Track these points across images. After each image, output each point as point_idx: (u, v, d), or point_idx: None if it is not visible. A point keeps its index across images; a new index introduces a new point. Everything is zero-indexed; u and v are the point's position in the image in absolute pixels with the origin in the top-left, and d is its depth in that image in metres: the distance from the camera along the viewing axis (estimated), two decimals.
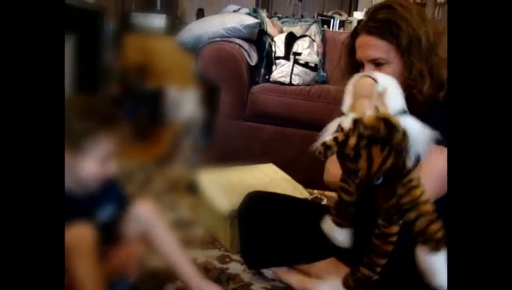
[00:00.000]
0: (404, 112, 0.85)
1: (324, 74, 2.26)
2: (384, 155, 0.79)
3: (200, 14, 3.20)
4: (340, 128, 0.81)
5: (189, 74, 2.87)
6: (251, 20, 2.02)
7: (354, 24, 2.67)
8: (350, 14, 3.01)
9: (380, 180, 0.82)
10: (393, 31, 1.04)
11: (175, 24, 3.16)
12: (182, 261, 1.03)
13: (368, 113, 0.80)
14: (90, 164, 0.89)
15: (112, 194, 1.01)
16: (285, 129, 1.97)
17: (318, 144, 0.79)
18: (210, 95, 2.06)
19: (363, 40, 1.09)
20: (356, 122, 0.78)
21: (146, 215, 1.00)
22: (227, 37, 1.99)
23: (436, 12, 2.95)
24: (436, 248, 0.85)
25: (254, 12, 2.16)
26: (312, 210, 1.28)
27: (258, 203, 1.27)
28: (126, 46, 2.74)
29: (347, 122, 0.80)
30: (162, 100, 2.69)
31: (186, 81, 2.86)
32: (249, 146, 1.97)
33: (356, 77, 0.89)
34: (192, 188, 1.62)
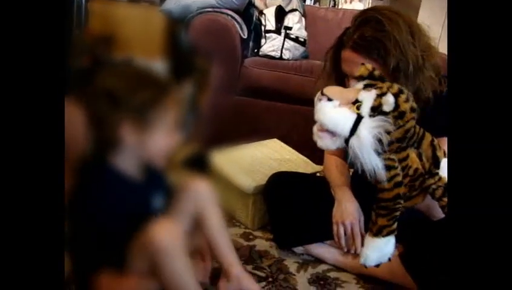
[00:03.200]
0: None
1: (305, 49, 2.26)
2: None
3: None
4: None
5: (156, 43, 2.73)
6: None
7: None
8: None
9: None
10: (380, 53, 1.00)
11: None
12: (228, 248, 0.99)
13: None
14: (161, 136, 0.82)
15: (159, 182, 0.94)
16: (276, 104, 1.96)
17: None
18: (198, 68, 1.98)
19: (349, 55, 1.06)
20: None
21: (204, 194, 0.95)
22: (217, 7, 1.91)
23: None
24: None
25: None
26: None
27: (284, 184, 1.28)
28: (90, 15, 2.53)
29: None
30: None
31: (153, 51, 2.72)
32: (241, 121, 1.93)
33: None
34: (197, 166, 1.57)
